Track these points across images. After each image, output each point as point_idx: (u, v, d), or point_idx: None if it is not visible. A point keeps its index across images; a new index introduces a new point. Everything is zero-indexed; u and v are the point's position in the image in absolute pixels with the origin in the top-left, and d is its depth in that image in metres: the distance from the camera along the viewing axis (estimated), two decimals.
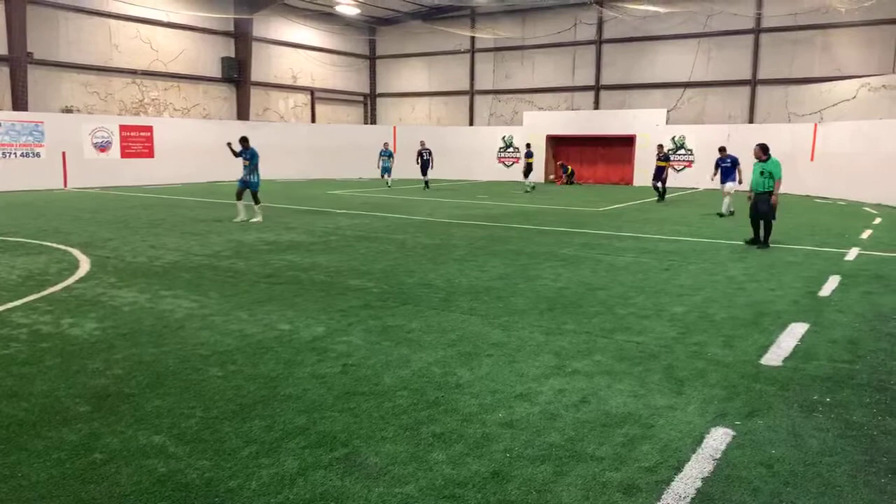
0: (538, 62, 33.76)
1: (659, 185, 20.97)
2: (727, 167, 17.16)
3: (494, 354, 5.73)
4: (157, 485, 3.52)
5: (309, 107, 35.98)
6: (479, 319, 6.86)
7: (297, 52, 34.67)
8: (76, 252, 10.60)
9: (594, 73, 32.31)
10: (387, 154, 27.15)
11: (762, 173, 11.53)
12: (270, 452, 3.89)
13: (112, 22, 26.98)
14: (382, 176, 27.12)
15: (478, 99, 35.87)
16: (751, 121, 28.68)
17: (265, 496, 3.41)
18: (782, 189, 11.69)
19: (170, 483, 3.53)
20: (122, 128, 26.07)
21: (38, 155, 23.62)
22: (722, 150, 17.70)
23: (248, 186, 14.99)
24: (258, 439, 4.06)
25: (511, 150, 32.56)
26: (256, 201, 15.08)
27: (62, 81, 25.71)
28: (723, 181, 17.20)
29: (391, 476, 3.62)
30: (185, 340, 6.09)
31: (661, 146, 21.81)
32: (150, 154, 26.88)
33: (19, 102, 23.92)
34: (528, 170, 25.88)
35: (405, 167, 29.99)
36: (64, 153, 24.16)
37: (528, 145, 26.61)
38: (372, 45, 38.65)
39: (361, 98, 39.05)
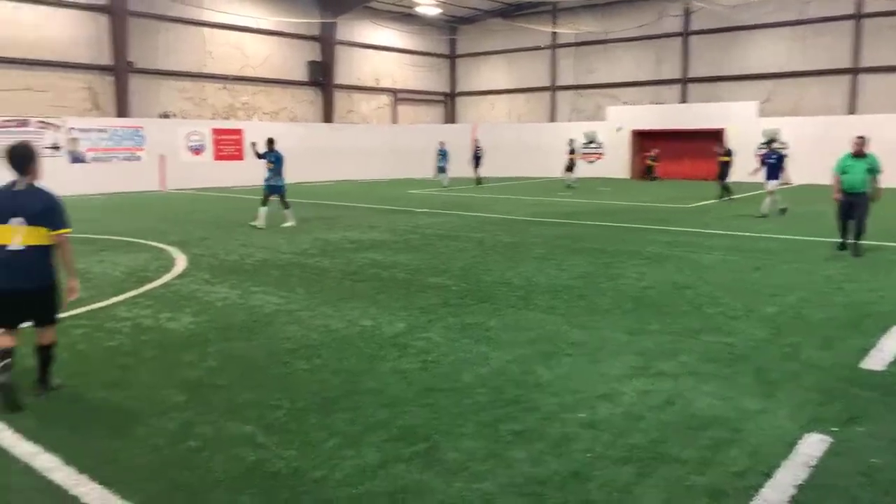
0: (621, 56, 33.06)
1: (727, 182, 20.14)
2: (773, 163, 15.95)
3: (574, 354, 5.66)
4: (247, 472, 3.68)
5: (391, 108, 36.55)
6: (558, 318, 6.79)
7: (379, 55, 35.28)
8: (173, 250, 11.17)
9: (681, 66, 31.34)
10: (443, 154, 26.94)
11: (869, 170, 10.18)
12: (353, 445, 3.99)
13: (206, 30, 28.25)
14: (439, 176, 26.81)
15: (559, 95, 35.47)
16: (852, 111, 27.08)
17: (348, 487, 3.51)
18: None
19: (259, 471, 3.69)
20: (215, 131, 27.27)
21: (138, 158, 25.02)
22: (770, 143, 16.61)
23: (274, 191, 14.34)
24: (341, 431, 4.17)
25: (594, 145, 32.02)
26: (286, 205, 14.38)
27: (160, 88, 27.12)
28: (767, 178, 15.99)
29: (470, 472, 3.64)
30: (273, 335, 6.32)
31: (720, 143, 21.27)
32: (241, 157, 27.97)
33: (122, 109, 25.43)
34: (571, 165, 25.46)
35: (485, 166, 30.02)
36: (162, 156, 25.49)
37: (571, 141, 26.16)
38: (452, 44, 38.87)
39: (442, 98, 39.33)
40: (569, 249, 11.03)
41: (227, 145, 27.72)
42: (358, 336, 6.24)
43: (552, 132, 33.34)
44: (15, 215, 4.58)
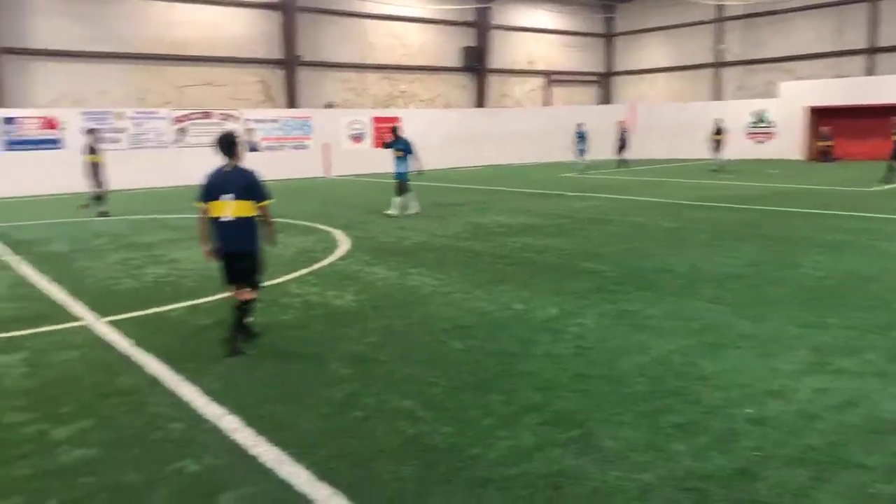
0: (795, 26, 30.39)
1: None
2: None
3: (743, 346, 5.33)
4: (407, 444, 3.83)
5: (544, 90, 36.17)
6: (725, 308, 6.42)
7: (532, 37, 34.98)
8: (337, 233, 11.82)
9: (867, 35, 28.26)
10: (581, 136, 25.83)
11: None
12: (508, 425, 4.03)
13: (368, 22, 29.46)
14: (579, 158, 25.77)
15: (724, 71, 33.31)
16: None
17: (504, 466, 3.55)
18: None
19: (418, 444, 3.83)
20: (375, 119, 28.43)
21: (305, 147, 26.68)
22: None
23: (399, 178, 14.22)
24: (496, 412, 4.22)
25: (763, 125, 29.76)
26: (407, 190, 14.07)
27: (325, 80, 28.69)
28: None
29: (629, 462, 3.55)
30: (429, 314, 6.52)
31: None
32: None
33: (291, 100, 27.22)
34: (717, 145, 23.70)
35: (642, 147, 28.90)
36: (326, 144, 26.99)
37: (716, 120, 24.24)
38: (608, 22, 37.68)
39: (596, 78, 38.32)
40: (736, 236, 10.38)
41: (386, 133, 28.76)
42: (511, 319, 6.27)
43: (715, 111, 31.42)
44: (225, 192, 5.41)
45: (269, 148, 25.75)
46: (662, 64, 35.86)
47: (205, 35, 25.33)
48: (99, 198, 15.15)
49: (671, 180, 20.52)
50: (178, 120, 23.58)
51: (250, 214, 5.49)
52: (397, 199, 13.99)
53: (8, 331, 6.28)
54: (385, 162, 27.68)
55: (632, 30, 36.88)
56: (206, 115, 24.20)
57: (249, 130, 25.22)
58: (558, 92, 36.78)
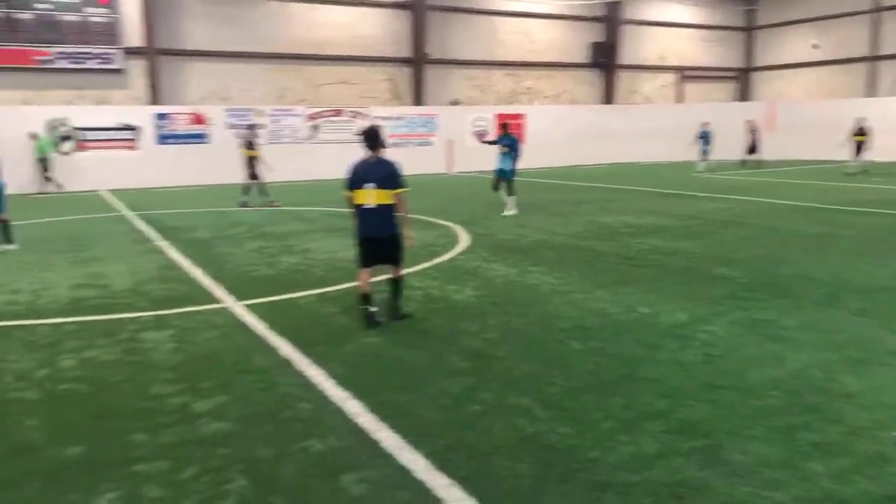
0: None
1: None
2: None
3: (891, 364, 4.89)
4: (524, 442, 3.82)
5: (676, 86, 34.76)
6: (873, 322, 5.91)
7: (665, 32, 33.69)
8: (458, 228, 11.96)
9: None
10: (705, 135, 24.31)
11: None
12: (629, 430, 3.91)
13: (497, 19, 29.53)
14: (701, 159, 24.16)
15: (881, 66, 30.59)
16: None
17: (624, 472, 3.45)
18: None
19: (535, 442, 3.81)
20: (498, 116, 28.46)
21: (430, 143, 27.17)
22: None
23: (502, 175, 13.84)
24: (617, 416, 4.12)
25: None
26: (512, 189, 13.92)
27: (451, 77, 29.06)
28: None
29: (759, 478, 3.35)
30: (548, 313, 6.46)
31: None
32: (522, 140, 28.91)
33: (418, 98, 27.81)
34: (859, 147, 21.49)
35: (781, 148, 27.11)
36: (450, 141, 27.35)
37: (859, 119, 21.99)
38: (749, 15, 35.61)
39: (733, 74, 36.32)
40: (888, 244, 9.52)
41: (510, 130, 28.80)
42: (634, 322, 6.09)
43: (868, 109, 28.93)
44: (368, 181, 5.98)
45: (395, 144, 26.41)
46: (808, 58, 33.45)
47: (340, 35, 26.38)
48: (247, 190, 16.03)
49: (811, 182, 19.12)
50: (312, 117, 24.72)
51: (391, 202, 6.02)
52: (512, 198, 13.80)
53: (159, 309, 6.85)
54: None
55: (775, 22, 34.64)
56: (338, 112, 25.21)
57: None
58: (692, 88, 35.22)
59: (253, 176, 16.02)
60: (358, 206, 6.06)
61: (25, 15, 21.13)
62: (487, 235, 11.14)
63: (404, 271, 6.59)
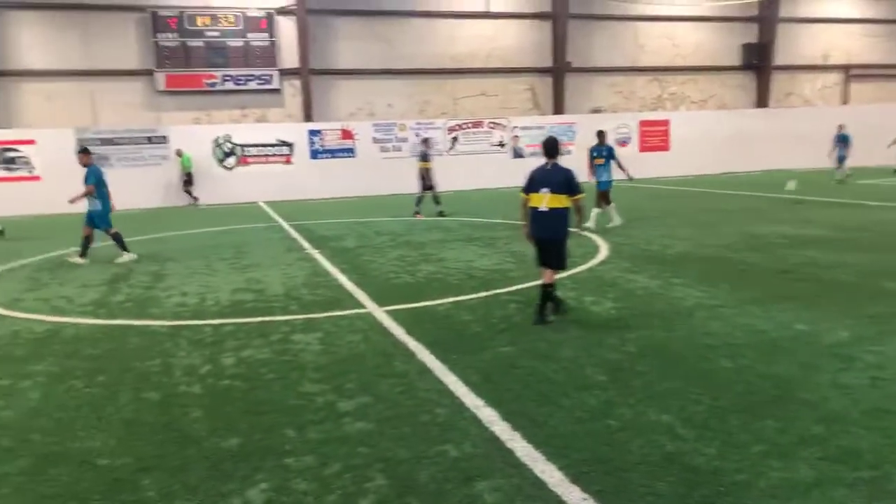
0: None
1: None
2: None
3: None
4: (664, 461, 3.66)
5: (841, 87, 32.04)
6: None
7: (828, 28, 31.17)
8: (597, 238, 11.70)
9: None
10: (843, 139, 21.63)
11: None
12: (782, 456, 3.64)
13: (640, 24, 28.74)
14: (837, 166, 21.67)
15: None
16: None
17: (774, 499, 3.22)
18: None
19: (676, 462, 3.64)
20: (642, 123, 27.64)
21: (569, 152, 26.82)
22: None
23: (599, 187, 13.28)
24: (769, 439, 3.85)
25: None
26: (607, 201, 13.27)
27: (593, 85, 28.59)
28: None
29: None
30: (693, 328, 6.16)
31: None
32: (666, 147, 27.84)
33: (558, 107, 27.60)
34: None
35: None
36: (590, 149, 26.87)
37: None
38: None
39: None
40: None
41: (653, 136, 27.87)
42: (791, 341, 5.67)
43: None
44: (544, 186, 6.44)
45: (534, 154, 26.37)
46: None
47: (481, 48, 26.78)
48: (420, 199, 16.41)
49: None
50: (452, 129, 25.24)
51: (563, 206, 6.41)
52: (595, 211, 13.18)
53: (309, 313, 7.27)
54: (650, 166, 26.87)
55: None
56: (477, 124, 25.57)
57: (516, 137, 26.09)
58: (859, 89, 32.30)
59: (427, 187, 16.31)
60: (532, 209, 6.52)
61: (197, 43, 23.28)
62: (628, 245, 10.82)
63: (559, 276, 6.67)
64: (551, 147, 6.68)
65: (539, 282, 6.70)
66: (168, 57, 23.06)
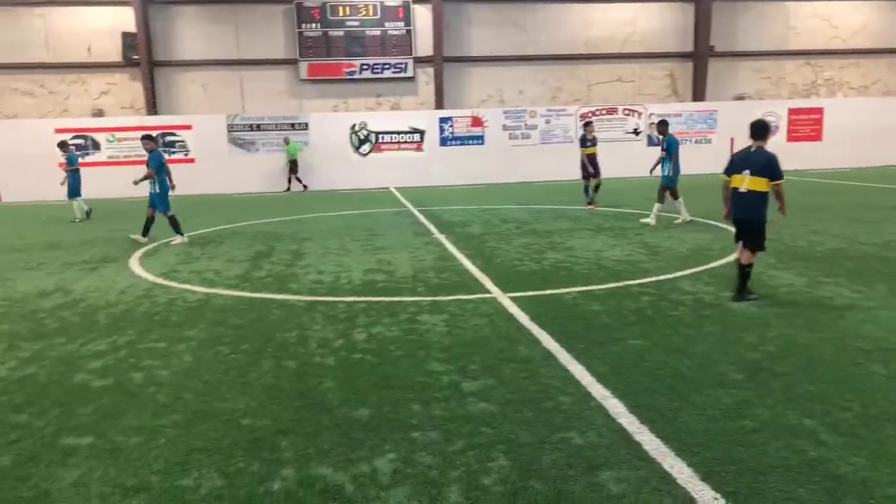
0: None
1: None
2: None
3: None
4: (805, 467, 3.43)
5: None
6: None
7: None
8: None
9: None
10: None
11: None
12: None
13: (790, 4, 26.75)
14: None
15: None
16: None
17: None
18: None
19: (819, 469, 3.40)
20: (791, 111, 25.76)
21: (709, 141, 25.53)
22: None
23: (665, 182, 12.57)
24: None
25: None
26: (675, 195, 12.49)
27: (737, 70, 26.97)
28: None
29: None
30: (843, 330, 5.71)
31: None
32: (818, 136, 25.81)
33: (698, 93, 26.29)
34: None
35: None
36: (732, 138, 25.43)
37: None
38: None
39: None
40: None
41: (804, 125, 25.90)
42: None
43: None
44: (745, 168, 6.63)
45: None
46: None
47: (616, 32, 26.01)
48: (587, 188, 15.45)
49: None
50: (584, 116, 24.72)
51: (761, 189, 6.54)
52: (658, 205, 12.51)
53: (435, 295, 7.42)
54: (799, 157, 25.03)
55: None
56: (611, 110, 24.89)
57: (652, 125, 25.17)
58: None
59: (590, 174, 15.32)
60: (733, 190, 6.77)
61: (338, 32, 24.24)
62: (773, 240, 10.08)
63: (670, 274, 6.33)
64: (758, 130, 6.73)
65: (734, 256, 7.12)
66: (310, 47, 24.19)
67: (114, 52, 23.65)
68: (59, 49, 23.58)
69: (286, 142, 23.01)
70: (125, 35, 23.34)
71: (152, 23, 23.72)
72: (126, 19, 23.35)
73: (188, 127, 23.11)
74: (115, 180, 22.74)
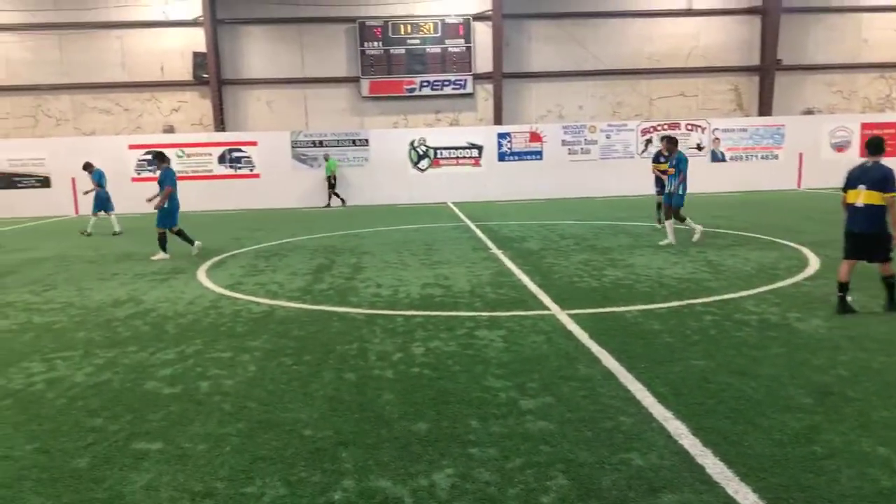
0: None
1: None
2: None
3: None
4: (879, 497, 3.30)
5: None
6: None
7: None
8: (806, 250, 10.73)
9: None
10: None
11: None
12: None
13: (864, 16, 25.87)
14: None
15: None
16: None
17: None
18: None
19: (893, 500, 3.26)
20: (865, 126, 24.83)
21: (775, 157, 24.82)
22: None
23: (670, 201, 12.04)
24: None
25: None
26: (680, 218, 12.01)
27: (805, 84, 26.20)
28: None
29: None
30: None
31: None
32: (895, 152, 24.79)
33: (764, 108, 25.62)
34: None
35: None
36: (800, 154, 24.65)
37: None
38: None
39: None
40: None
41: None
42: None
43: None
44: (861, 182, 6.75)
45: (734, 158, 24.74)
46: None
47: (680, 46, 25.66)
48: (660, 206, 14.75)
49: None
50: (645, 131, 24.40)
51: (878, 203, 6.61)
52: (669, 222, 12.05)
53: (492, 311, 7.43)
54: None
55: None
56: (673, 126, 24.49)
57: (716, 140, 24.63)
58: None
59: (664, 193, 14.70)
60: (849, 205, 6.87)
61: (399, 50, 24.66)
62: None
63: (734, 294, 6.16)
64: (874, 145, 6.88)
65: (842, 272, 6.99)
66: (372, 64, 24.68)
67: (185, 71, 24.65)
68: (134, 69, 24.73)
69: (325, 158, 23.49)
70: (196, 54, 24.31)
71: (221, 42, 24.63)
72: (197, 39, 24.33)
73: (254, 143, 23.85)
74: (185, 194, 23.62)
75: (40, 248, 14.43)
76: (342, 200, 23.60)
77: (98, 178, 16.83)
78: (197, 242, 12.44)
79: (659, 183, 14.49)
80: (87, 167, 17.09)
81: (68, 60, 24.53)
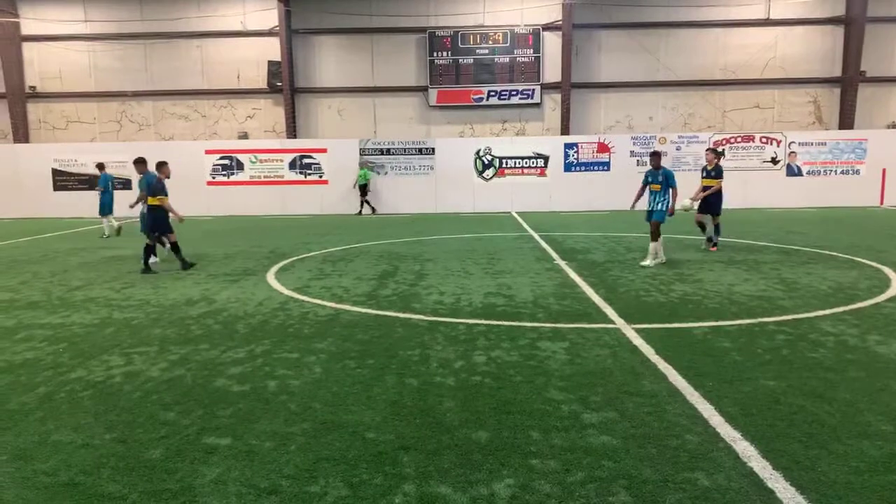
0: None
1: None
2: None
3: None
4: None
5: None
6: None
7: None
8: (888, 270, 10.23)
9: None
10: None
11: None
12: None
13: None
14: None
15: None
16: None
17: None
18: None
19: None
20: None
21: (857, 172, 23.75)
22: None
23: (653, 217, 11.32)
24: None
25: None
26: (656, 234, 11.29)
27: (890, 97, 25.01)
28: None
29: None
30: None
31: None
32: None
33: (845, 121, 24.56)
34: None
35: None
36: (884, 170, 23.51)
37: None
38: None
39: None
40: None
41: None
42: None
43: None
44: None
45: (811, 172, 23.81)
46: None
47: (755, 57, 24.89)
48: (703, 225, 13.55)
49: None
50: (718, 144, 23.75)
51: None
52: (654, 244, 11.33)
53: (556, 322, 7.37)
54: None
55: None
56: (748, 138, 23.77)
57: (792, 154, 23.78)
58: None
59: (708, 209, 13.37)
60: None
61: (467, 60, 24.80)
62: None
63: (809, 313, 5.92)
64: None
65: None
66: (441, 74, 24.89)
67: (260, 80, 25.45)
68: (212, 77, 25.70)
69: (361, 167, 23.75)
70: (270, 63, 25.06)
71: (295, 52, 25.33)
72: (272, 49, 25.10)
73: (324, 150, 24.38)
74: (257, 199, 24.39)
75: (122, 246, 15.12)
76: (372, 209, 23.98)
77: (104, 182, 17.23)
78: (154, 259, 11.91)
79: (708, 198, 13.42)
80: (100, 167, 17.71)
81: (152, 68, 25.70)
